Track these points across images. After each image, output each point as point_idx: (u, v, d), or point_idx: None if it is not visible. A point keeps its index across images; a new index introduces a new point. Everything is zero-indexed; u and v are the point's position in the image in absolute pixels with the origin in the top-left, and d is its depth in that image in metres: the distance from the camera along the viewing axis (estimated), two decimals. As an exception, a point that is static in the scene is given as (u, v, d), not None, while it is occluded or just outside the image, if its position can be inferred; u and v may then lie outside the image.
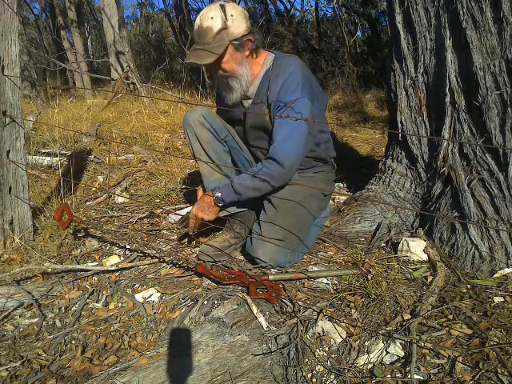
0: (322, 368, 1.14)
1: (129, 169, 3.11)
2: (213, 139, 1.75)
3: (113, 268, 1.71)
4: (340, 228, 1.99)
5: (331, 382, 1.10)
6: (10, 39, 1.74)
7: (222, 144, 1.78)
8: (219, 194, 1.63)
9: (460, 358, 1.11)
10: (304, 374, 1.12)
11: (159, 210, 2.32)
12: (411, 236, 1.79)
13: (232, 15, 1.50)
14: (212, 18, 1.49)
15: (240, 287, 1.51)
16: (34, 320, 1.44)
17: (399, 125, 2.02)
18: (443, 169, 1.81)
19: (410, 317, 1.30)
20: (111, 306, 1.50)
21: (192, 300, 1.48)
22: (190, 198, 2.45)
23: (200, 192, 1.85)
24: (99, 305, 1.52)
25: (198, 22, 1.52)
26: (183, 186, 2.67)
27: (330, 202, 2.24)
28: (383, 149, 3.17)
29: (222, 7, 1.49)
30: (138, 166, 3.16)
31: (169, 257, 1.77)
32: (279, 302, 1.43)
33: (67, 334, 1.35)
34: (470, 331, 1.22)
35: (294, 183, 1.69)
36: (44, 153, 3.24)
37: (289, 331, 1.28)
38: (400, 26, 1.95)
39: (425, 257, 1.65)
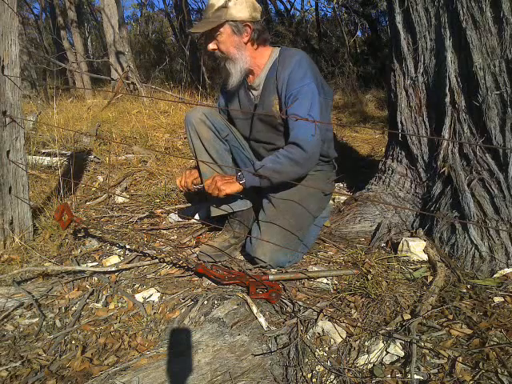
0: (322, 368, 1.14)
1: (129, 169, 3.10)
2: (214, 137, 1.75)
3: (113, 268, 1.71)
4: (340, 228, 1.99)
5: (331, 382, 1.10)
6: (10, 39, 1.74)
7: (223, 143, 1.79)
8: (243, 179, 1.60)
9: (460, 358, 1.11)
10: (304, 374, 1.12)
11: (159, 210, 2.32)
12: (411, 236, 1.79)
13: None
14: None
15: (240, 287, 1.51)
16: (34, 320, 1.44)
17: (399, 125, 2.02)
18: (443, 169, 1.81)
19: (410, 317, 1.30)
20: (111, 306, 1.50)
21: (192, 300, 1.48)
22: (191, 198, 2.45)
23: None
24: (99, 305, 1.52)
25: None
26: (183, 186, 2.66)
27: (330, 201, 2.24)
28: (383, 149, 3.17)
29: None
30: (138, 166, 3.16)
31: (169, 257, 1.77)
32: (279, 302, 1.43)
33: (67, 334, 1.35)
34: (470, 331, 1.22)
35: (294, 182, 1.69)
36: (44, 153, 3.24)
37: (289, 331, 1.28)
38: (400, 26, 1.95)
39: (425, 257, 1.65)
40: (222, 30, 1.59)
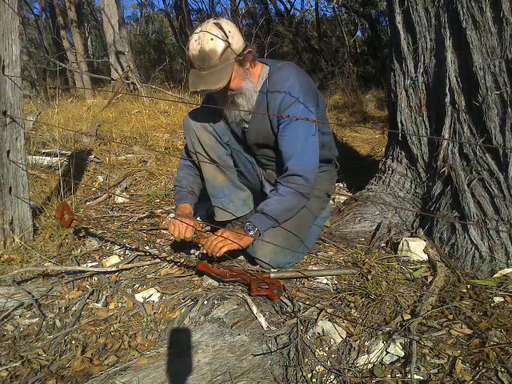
0: (322, 368, 1.14)
1: (129, 169, 3.10)
2: (216, 143, 1.72)
3: (113, 268, 1.70)
4: (340, 228, 1.99)
5: (331, 382, 1.10)
6: (11, 39, 1.74)
7: (225, 147, 1.76)
8: (256, 230, 1.54)
9: (460, 358, 1.11)
10: (304, 374, 1.12)
11: (159, 210, 2.32)
12: (411, 236, 1.79)
13: (230, 31, 1.44)
14: (212, 39, 1.42)
15: (240, 287, 1.51)
16: (34, 320, 1.44)
17: (399, 125, 2.02)
18: (443, 169, 1.81)
19: (409, 317, 1.30)
20: (111, 306, 1.50)
21: (192, 300, 1.48)
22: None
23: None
24: (99, 305, 1.51)
25: (195, 46, 1.43)
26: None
27: (330, 201, 2.24)
28: (383, 149, 3.17)
29: (218, 25, 1.43)
30: (138, 166, 3.16)
31: (169, 256, 1.77)
32: (279, 302, 1.43)
33: (67, 334, 1.35)
34: (470, 331, 1.22)
35: None
36: (44, 153, 3.24)
37: (289, 331, 1.28)
38: (400, 26, 1.95)
39: (425, 257, 1.65)
40: (233, 70, 1.48)
